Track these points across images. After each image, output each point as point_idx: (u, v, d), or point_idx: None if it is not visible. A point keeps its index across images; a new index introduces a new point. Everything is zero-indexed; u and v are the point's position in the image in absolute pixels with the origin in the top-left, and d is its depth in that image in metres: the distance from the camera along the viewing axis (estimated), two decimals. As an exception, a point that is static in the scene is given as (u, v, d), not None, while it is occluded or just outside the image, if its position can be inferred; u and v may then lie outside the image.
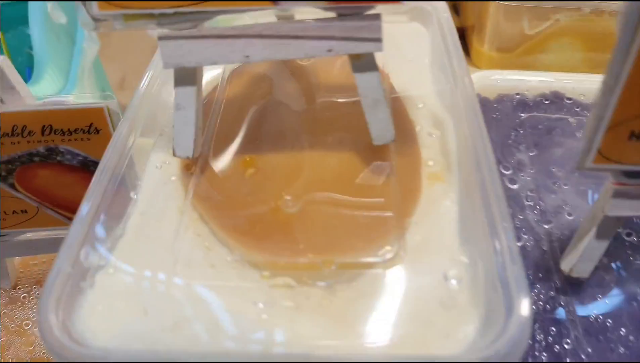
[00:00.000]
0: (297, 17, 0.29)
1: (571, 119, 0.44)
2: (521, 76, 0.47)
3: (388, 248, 0.27)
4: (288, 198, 0.29)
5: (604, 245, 0.31)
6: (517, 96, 0.46)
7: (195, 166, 0.32)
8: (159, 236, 0.29)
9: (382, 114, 0.29)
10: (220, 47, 0.28)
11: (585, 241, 0.31)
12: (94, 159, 0.39)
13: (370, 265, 0.27)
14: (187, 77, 0.29)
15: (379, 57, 0.40)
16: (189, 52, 0.28)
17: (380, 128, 0.30)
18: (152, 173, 0.32)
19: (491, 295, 0.24)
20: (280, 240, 0.27)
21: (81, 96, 0.35)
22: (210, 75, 0.40)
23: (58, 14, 0.63)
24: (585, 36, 0.48)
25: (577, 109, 0.45)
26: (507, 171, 0.40)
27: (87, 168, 0.39)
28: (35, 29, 0.68)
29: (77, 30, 0.62)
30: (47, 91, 0.66)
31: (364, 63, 0.28)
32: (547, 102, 0.45)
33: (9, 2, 0.67)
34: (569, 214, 0.37)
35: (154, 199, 0.31)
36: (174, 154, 0.31)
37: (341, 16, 0.27)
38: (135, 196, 0.31)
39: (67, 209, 0.42)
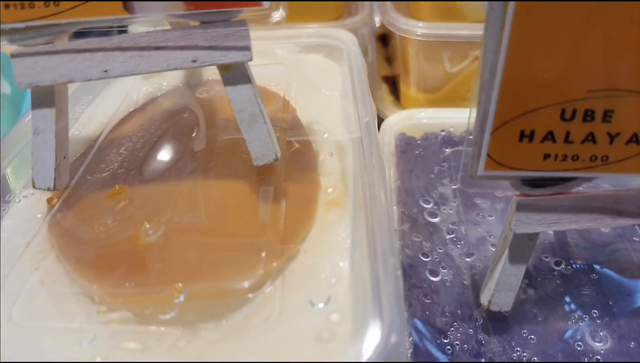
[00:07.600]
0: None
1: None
2: (447, 114, 0.45)
3: (260, 273, 0.23)
4: (148, 226, 0.25)
5: (520, 270, 0.27)
6: (443, 133, 0.44)
7: (59, 199, 0.28)
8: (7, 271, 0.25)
9: (260, 130, 0.27)
10: (77, 62, 0.26)
11: (500, 267, 0.28)
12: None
13: (233, 292, 0.23)
14: (45, 98, 0.27)
15: (292, 91, 0.39)
16: (43, 70, 0.26)
17: (260, 146, 0.27)
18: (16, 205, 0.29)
19: (367, 326, 0.20)
20: (128, 271, 0.23)
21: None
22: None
23: (2, 84, 0.62)
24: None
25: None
26: (427, 204, 0.37)
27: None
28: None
29: (24, 100, 0.61)
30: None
31: (234, 75, 0.26)
32: (472, 137, 0.43)
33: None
34: (493, 246, 0.34)
35: (13, 233, 0.27)
36: (34, 186, 0.28)
37: (205, 24, 0.25)
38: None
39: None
